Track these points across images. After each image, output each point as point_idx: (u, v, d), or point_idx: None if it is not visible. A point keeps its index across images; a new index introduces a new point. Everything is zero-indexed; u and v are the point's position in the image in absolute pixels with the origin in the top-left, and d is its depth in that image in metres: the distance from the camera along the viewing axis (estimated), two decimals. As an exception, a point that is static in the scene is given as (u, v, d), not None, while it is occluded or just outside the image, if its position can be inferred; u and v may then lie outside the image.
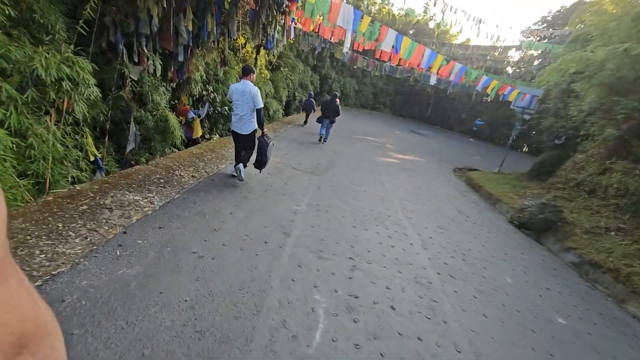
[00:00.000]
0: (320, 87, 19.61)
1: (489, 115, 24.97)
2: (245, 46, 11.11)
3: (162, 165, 4.44)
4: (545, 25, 21.24)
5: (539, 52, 22.17)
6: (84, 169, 3.82)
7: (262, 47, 10.43)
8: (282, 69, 14.34)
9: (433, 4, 11.07)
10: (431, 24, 24.40)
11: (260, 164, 4.50)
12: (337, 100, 9.32)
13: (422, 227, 4.74)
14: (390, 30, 8.79)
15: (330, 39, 12.36)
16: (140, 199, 3.30)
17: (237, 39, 8.96)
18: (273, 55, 13.67)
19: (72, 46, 3.51)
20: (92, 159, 4.03)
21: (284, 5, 6.60)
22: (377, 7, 21.97)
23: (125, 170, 4.01)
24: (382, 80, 25.02)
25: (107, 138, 4.60)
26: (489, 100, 21.01)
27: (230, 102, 4.45)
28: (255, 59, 10.60)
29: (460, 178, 10.10)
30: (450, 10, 12.41)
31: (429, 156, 12.07)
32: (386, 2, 20.72)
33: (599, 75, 7.24)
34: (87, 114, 3.64)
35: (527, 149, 23.61)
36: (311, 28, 11.68)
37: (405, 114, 27.23)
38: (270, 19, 6.95)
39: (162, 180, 3.91)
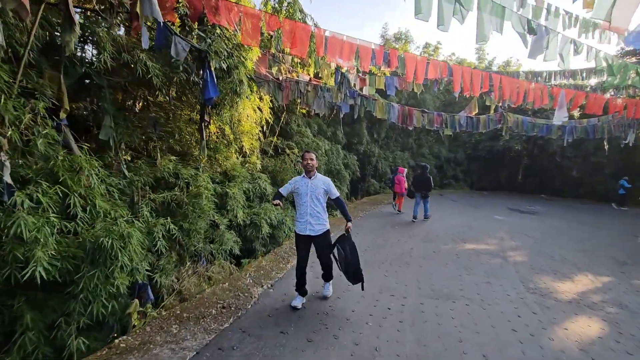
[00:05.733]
0: (361, 170, 13.61)
1: (612, 168, 15.92)
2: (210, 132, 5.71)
3: None
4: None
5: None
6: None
7: (207, 107, 4.86)
8: (288, 152, 8.74)
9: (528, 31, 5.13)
10: (494, 67, 18.56)
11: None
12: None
13: None
14: None
15: (355, 87, 6.62)
16: None
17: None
18: (274, 134, 8.26)
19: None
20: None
21: None
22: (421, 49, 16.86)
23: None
24: (444, 146, 18.43)
25: None
26: (629, 144, 12.90)
27: None
28: (200, 130, 4.97)
29: None
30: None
31: (600, 260, 5.72)
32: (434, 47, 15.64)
33: None
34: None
35: None
36: (311, 69, 6.19)
37: (487, 186, 19.36)
38: None
39: None
